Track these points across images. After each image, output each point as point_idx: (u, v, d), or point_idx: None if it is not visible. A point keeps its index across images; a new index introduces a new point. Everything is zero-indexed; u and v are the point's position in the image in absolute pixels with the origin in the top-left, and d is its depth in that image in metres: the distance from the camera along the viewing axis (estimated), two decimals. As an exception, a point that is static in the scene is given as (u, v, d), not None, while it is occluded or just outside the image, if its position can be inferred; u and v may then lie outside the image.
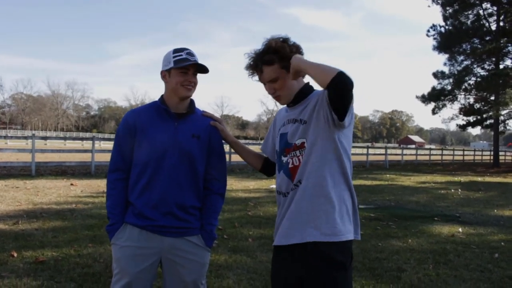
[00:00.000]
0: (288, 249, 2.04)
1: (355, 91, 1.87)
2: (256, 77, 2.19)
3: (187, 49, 2.25)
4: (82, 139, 30.78)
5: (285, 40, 2.11)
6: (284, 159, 2.11)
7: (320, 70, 1.89)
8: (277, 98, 2.16)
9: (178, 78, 2.23)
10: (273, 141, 2.31)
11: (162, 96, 2.34)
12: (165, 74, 2.28)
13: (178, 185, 2.25)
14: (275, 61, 2.07)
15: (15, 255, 4.75)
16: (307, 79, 2.16)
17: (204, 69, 2.28)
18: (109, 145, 42.24)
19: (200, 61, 2.26)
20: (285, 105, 2.25)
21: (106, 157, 20.24)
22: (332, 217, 1.97)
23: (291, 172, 2.06)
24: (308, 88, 2.16)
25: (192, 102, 2.36)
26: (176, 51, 2.25)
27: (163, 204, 2.22)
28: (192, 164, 2.27)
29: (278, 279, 2.14)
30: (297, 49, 2.10)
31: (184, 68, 2.22)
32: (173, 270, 2.27)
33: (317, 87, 2.07)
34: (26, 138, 17.55)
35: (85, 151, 18.29)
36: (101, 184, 11.61)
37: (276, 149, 2.21)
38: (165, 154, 2.23)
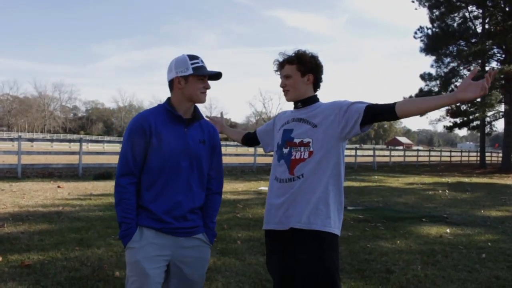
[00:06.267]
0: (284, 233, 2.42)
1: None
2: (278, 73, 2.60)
3: (199, 56, 2.34)
4: (69, 141, 30.54)
5: (305, 51, 2.54)
6: (285, 150, 2.47)
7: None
8: (285, 92, 2.56)
9: (198, 84, 2.30)
10: (269, 132, 2.80)
11: (169, 100, 2.36)
12: (180, 80, 2.29)
13: (190, 189, 2.34)
14: (294, 62, 2.49)
15: (0, 259, 4.68)
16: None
17: (217, 77, 2.37)
18: (97, 147, 42.07)
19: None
20: (288, 109, 2.65)
21: (94, 159, 20.08)
22: (326, 213, 2.37)
23: (291, 163, 2.41)
24: (316, 99, 2.55)
25: (196, 107, 2.42)
26: (192, 57, 2.31)
27: (178, 208, 2.29)
28: (200, 168, 2.37)
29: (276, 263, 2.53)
30: (315, 60, 2.50)
31: (203, 76, 2.30)
32: (180, 270, 2.34)
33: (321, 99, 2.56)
34: (12, 140, 17.30)
35: (73, 153, 18.13)
36: (88, 187, 11.50)
37: (278, 142, 2.56)
38: (178, 159, 2.29)
